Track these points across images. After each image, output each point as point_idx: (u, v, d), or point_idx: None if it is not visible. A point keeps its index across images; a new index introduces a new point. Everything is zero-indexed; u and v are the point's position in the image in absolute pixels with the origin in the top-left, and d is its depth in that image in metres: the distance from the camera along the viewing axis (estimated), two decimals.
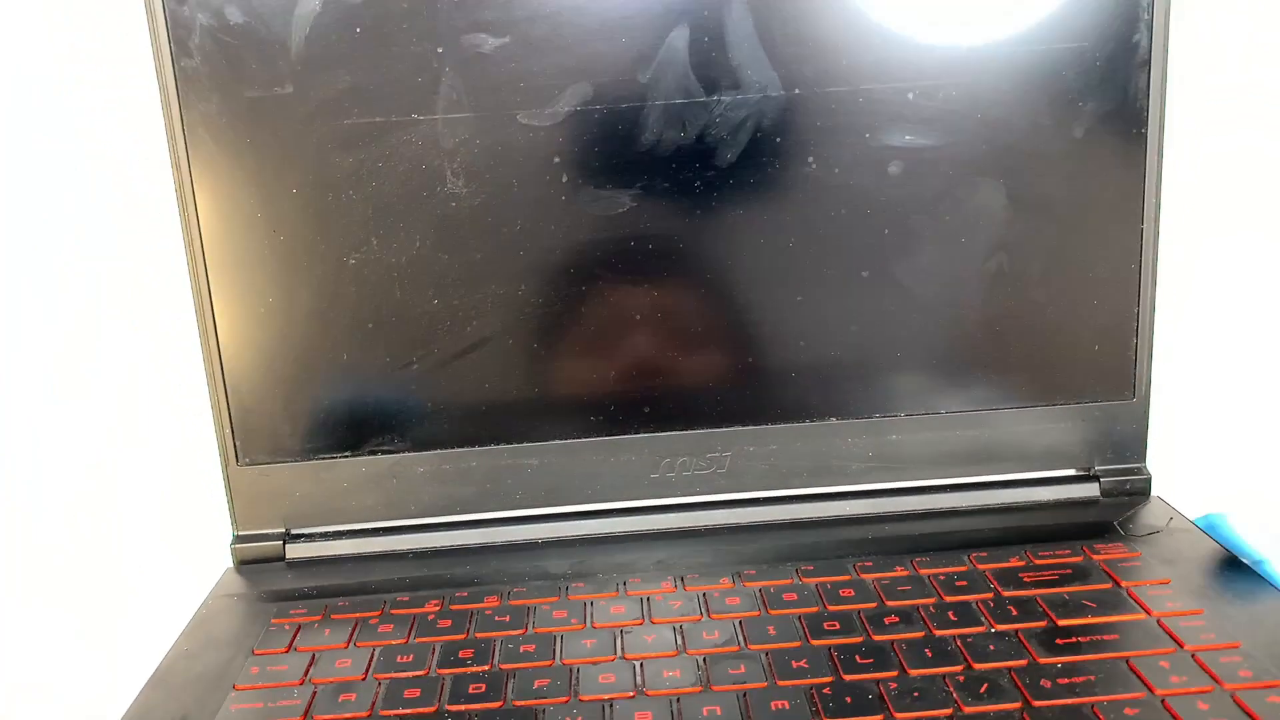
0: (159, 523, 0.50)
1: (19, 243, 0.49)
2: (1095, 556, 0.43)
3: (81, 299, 0.49)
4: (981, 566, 0.42)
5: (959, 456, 0.48)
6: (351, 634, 0.41)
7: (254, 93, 0.43)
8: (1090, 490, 0.48)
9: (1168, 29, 0.44)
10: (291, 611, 0.43)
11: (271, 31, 0.42)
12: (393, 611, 0.42)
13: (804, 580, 0.42)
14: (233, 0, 0.42)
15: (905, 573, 0.42)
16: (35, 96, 0.48)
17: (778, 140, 0.44)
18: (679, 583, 0.43)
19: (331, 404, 0.46)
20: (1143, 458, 0.48)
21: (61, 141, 0.48)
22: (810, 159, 0.45)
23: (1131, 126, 0.45)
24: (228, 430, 0.46)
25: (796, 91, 0.44)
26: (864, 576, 0.42)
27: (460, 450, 0.47)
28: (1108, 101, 0.44)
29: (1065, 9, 0.43)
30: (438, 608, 0.42)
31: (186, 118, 0.43)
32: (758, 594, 0.41)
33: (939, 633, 0.38)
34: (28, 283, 0.49)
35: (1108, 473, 0.48)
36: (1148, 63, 0.44)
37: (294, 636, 0.41)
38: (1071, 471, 0.48)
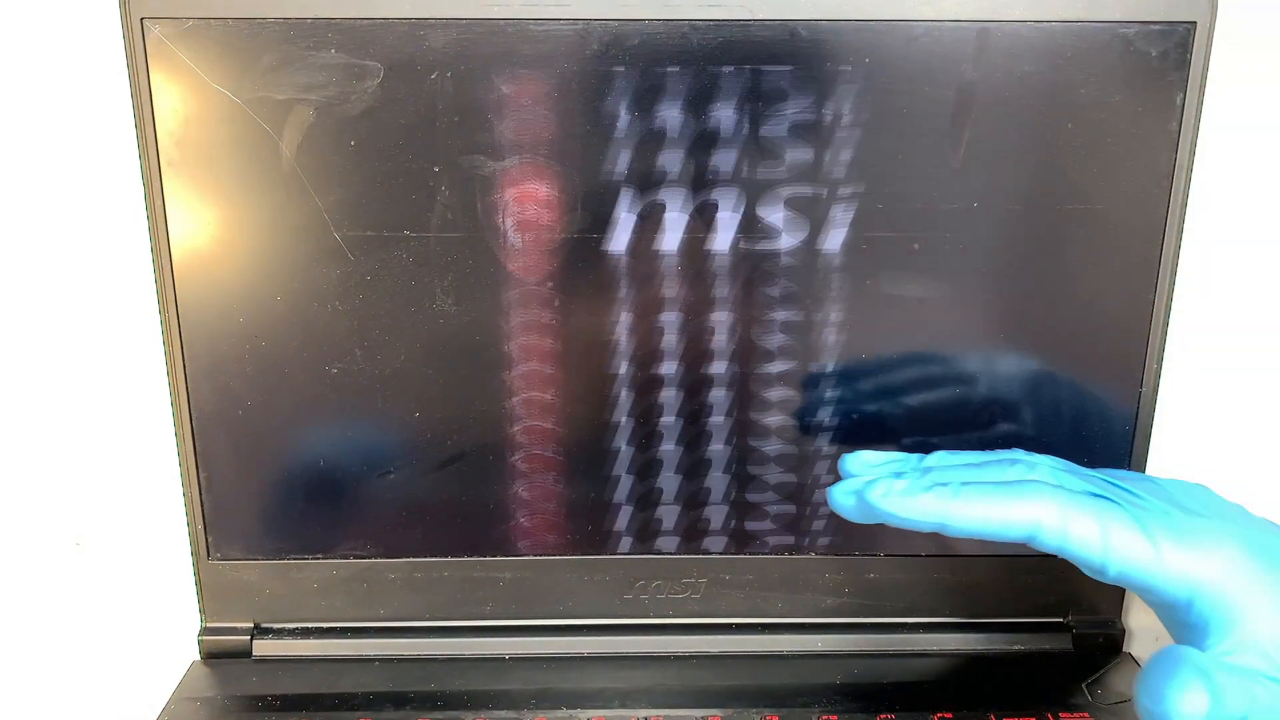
0: (129, 606, 0.50)
1: None
2: None
3: (63, 383, 0.48)
4: None
5: (934, 598, 0.48)
6: None
7: (242, 197, 0.42)
8: (1063, 641, 0.48)
9: (1187, 194, 0.43)
10: None
11: (264, 138, 0.41)
12: None
13: None
14: (224, 101, 0.41)
15: None
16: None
17: (773, 285, 0.43)
18: None
19: (306, 506, 0.46)
20: (1118, 612, 0.48)
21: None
22: (807, 301, 0.44)
23: (1136, 303, 0.44)
24: (200, 526, 0.46)
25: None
26: None
27: (433, 560, 0.47)
28: (1115, 267, 0.43)
29: (1079, 172, 0.42)
30: None
31: (171, 216, 0.42)
32: None
33: None
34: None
35: (1082, 623, 0.48)
36: (1162, 234, 0.43)
37: None
38: (1045, 620, 0.48)
